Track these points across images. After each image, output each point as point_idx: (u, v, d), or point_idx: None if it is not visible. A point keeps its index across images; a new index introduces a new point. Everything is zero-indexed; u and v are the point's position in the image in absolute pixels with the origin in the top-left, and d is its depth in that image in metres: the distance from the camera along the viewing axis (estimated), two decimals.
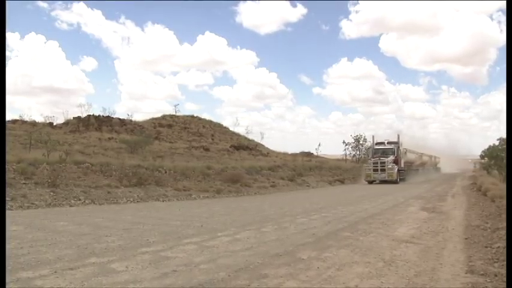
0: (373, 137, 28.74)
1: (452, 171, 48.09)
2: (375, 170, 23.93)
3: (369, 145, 27.32)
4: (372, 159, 24.84)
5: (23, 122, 24.37)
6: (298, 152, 34.30)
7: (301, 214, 8.17)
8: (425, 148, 39.49)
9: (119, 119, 29.06)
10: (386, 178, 23.44)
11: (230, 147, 29.13)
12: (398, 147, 25.71)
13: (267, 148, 35.07)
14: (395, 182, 23.28)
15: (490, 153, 23.56)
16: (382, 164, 23.91)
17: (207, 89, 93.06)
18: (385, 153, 25.10)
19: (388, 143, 26.36)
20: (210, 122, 37.83)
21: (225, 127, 37.94)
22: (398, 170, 24.29)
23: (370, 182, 24.24)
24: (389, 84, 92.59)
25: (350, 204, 10.48)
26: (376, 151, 25.75)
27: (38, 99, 70.53)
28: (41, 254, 4.12)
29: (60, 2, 74.27)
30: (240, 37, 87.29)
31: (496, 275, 3.46)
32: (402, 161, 25.85)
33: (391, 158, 24.59)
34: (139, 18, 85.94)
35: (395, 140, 26.68)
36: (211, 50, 76.04)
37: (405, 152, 27.23)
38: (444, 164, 48.34)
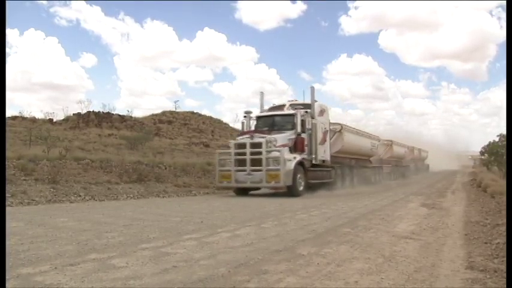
0: (261, 94, 15.30)
1: (448, 168, 47.36)
2: (240, 164, 11.86)
3: (246, 113, 14.04)
4: (237, 140, 12.56)
5: (23, 118, 24.32)
6: None
7: (301, 210, 8.18)
8: (419, 143, 37.19)
9: (119, 115, 29.02)
10: (265, 182, 11.60)
11: None
12: (306, 114, 12.71)
13: None
14: (293, 193, 11.49)
15: (490, 149, 23.59)
16: (255, 150, 11.68)
17: (207, 85, 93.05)
18: (275, 126, 12.91)
19: (291, 106, 13.50)
20: (210, 118, 37.80)
21: (225, 123, 37.89)
22: (300, 164, 11.88)
23: (240, 191, 12.43)
24: (389, 80, 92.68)
25: (350, 200, 10.49)
26: (260, 123, 13.43)
27: (37, 95, 70.57)
28: (41, 250, 4.12)
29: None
30: (240, 33, 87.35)
31: (495, 271, 3.46)
32: (326, 148, 13.77)
33: (284, 136, 12.13)
34: (138, 15, 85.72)
35: (308, 102, 13.44)
36: (210, 46, 75.96)
37: (339, 131, 14.96)
38: (438, 160, 44.03)
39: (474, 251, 4.34)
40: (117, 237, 4.91)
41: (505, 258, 3.77)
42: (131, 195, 11.30)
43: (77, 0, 74.20)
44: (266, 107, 15.08)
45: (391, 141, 24.30)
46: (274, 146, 11.73)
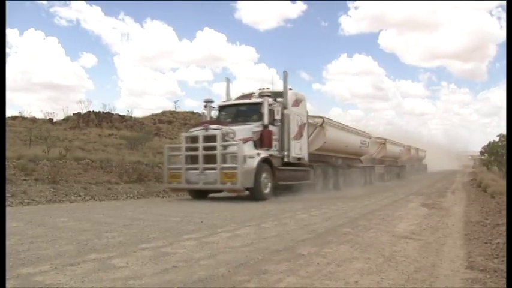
0: (227, 80, 13.66)
1: (448, 168, 47.26)
2: (192, 162, 10.22)
3: (206, 102, 12.25)
4: (190, 132, 10.82)
5: (23, 118, 24.31)
6: None
7: (301, 210, 8.18)
8: (419, 143, 36.67)
9: (119, 115, 29.02)
10: (220, 183, 9.76)
11: None
12: (276, 102, 11.06)
13: None
14: (255, 197, 9.92)
15: (490, 149, 23.60)
16: (210, 144, 9.97)
17: (207, 85, 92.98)
18: (239, 117, 11.33)
19: (259, 95, 11.57)
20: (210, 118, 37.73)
21: None
22: (266, 162, 10.16)
23: (197, 194, 10.80)
24: (389, 80, 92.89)
25: (350, 200, 10.47)
26: (223, 114, 11.99)
27: (37, 95, 70.66)
28: (41, 250, 4.12)
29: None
30: (240, 33, 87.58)
31: (495, 271, 3.46)
32: (303, 144, 12.11)
33: (248, 128, 10.52)
34: (138, 15, 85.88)
35: (279, 90, 11.79)
36: (210, 46, 76.13)
37: (320, 125, 13.25)
38: (438, 160, 43.19)
39: (474, 251, 4.34)
40: (117, 237, 4.91)
41: (505, 258, 3.77)
42: (131, 195, 11.30)
43: (77, 0, 74.28)
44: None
45: (384, 139, 22.80)
46: (232, 139, 9.90)
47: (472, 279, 3.29)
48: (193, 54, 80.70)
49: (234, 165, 9.61)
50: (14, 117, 23.83)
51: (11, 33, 62.29)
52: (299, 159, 12.03)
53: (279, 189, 11.07)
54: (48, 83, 66.80)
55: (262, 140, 10.56)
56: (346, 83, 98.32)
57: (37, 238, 4.75)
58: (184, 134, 10.95)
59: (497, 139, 21.51)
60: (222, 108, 12.27)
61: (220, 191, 10.77)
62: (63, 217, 6.73)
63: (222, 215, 7.26)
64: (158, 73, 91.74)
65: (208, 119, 11.85)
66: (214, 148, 9.94)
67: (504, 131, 18.38)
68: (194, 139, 10.37)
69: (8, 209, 7.75)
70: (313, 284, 3.10)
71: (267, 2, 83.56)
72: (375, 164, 20.72)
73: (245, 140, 10.14)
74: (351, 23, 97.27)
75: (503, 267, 3.51)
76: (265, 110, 10.73)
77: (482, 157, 29.76)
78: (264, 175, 10.12)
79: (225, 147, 9.91)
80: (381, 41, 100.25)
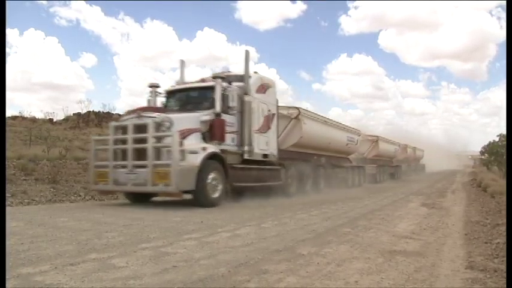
0: (181, 62, 11.32)
1: (448, 168, 47.26)
2: (122, 157, 8.33)
3: (152, 87, 10.33)
4: (120, 121, 8.94)
5: (23, 118, 24.36)
6: None
7: (300, 209, 8.18)
8: (418, 143, 36.38)
9: (119, 115, 28.96)
10: (151, 184, 7.75)
11: None
12: (231, 87, 9.37)
13: None
14: (200, 202, 8.11)
15: (490, 149, 23.62)
16: (141, 136, 8.06)
17: None
18: (188, 105, 9.58)
19: (213, 78, 9.40)
20: None
21: None
22: (215, 159, 8.39)
23: (135, 197, 9.07)
24: (388, 80, 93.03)
25: (350, 200, 10.48)
26: (171, 101, 10.13)
27: (37, 95, 70.76)
28: (41, 250, 4.12)
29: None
30: (240, 33, 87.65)
31: (495, 271, 3.47)
32: (270, 138, 10.40)
33: (194, 117, 8.62)
34: (138, 15, 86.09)
35: (239, 72, 10.08)
36: (210, 46, 76.13)
37: (296, 117, 11.69)
38: (437, 160, 42.98)
39: (474, 250, 4.34)
40: (117, 237, 4.91)
41: (505, 258, 3.77)
42: None
43: (77, 0, 74.34)
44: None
45: (376, 137, 21.18)
46: (169, 129, 8.00)
47: (472, 279, 3.29)
48: (193, 54, 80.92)
49: (168, 162, 7.76)
50: (14, 117, 23.86)
51: (11, 33, 62.46)
52: (265, 156, 10.21)
53: (248, 192, 9.49)
54: (48, 83, 66.95)
55: (212, 132, 8.66)
56: (346, 83, 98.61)
57: (37, 238, 4.74)
58: (112, 124, 8.95)
59: (497, 139, 21.55)
60: (169, 93, 10.27)
61: (155, 194, 8.81)
62: (63, 217, 6.73)
63: (222, 215, 7.26)
64: (158, 73, 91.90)
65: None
66: (145, 140, 8.06)
67: (504, 131, 18.40)
68: (124, 129, 8.47)
69: (8, 208, 7.75)
70: (313, 283, 3.11)
71: (267, 2, 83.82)
72: (367, 164, 19.34)
73: (189, 131, 8.30)
74: (351, 23, 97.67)
75: (503, 267, 3.51)
76: (218, 95, 8.89)
77: (482, 157, 29.77)
78: (212, 175, 8.28)
79: (159, 139, 8.02)
80: (380, 41, 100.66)
